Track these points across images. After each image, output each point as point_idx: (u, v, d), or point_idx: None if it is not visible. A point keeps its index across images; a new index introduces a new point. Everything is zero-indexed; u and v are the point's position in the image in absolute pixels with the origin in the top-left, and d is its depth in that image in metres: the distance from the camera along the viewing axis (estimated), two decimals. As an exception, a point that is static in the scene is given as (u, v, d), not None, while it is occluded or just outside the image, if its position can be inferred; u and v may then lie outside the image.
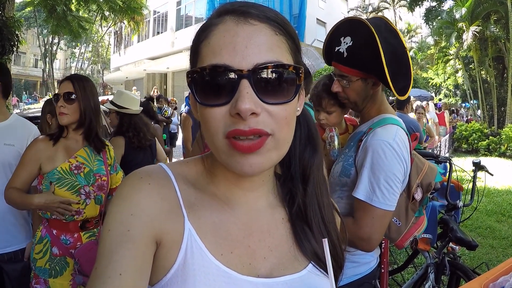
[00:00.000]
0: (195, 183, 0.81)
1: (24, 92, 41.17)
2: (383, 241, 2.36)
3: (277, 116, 0.69)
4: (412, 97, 6.62)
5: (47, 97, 19.32)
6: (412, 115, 7.69)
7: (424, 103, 10.49)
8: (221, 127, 0.68)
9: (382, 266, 2.37)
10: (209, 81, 0.68)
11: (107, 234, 0.70)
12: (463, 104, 29.93)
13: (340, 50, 1.74)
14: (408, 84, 1.74)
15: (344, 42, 1.72)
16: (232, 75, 0.66)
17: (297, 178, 0.87)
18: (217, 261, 0.74)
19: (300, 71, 0.71)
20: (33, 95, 41.13)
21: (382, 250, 2.38)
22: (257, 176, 0.79)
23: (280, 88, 0.69)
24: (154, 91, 15.04)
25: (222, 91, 0.67)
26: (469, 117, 23.73)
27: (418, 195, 1.89)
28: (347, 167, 1.78)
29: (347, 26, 1.75)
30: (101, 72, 47.87)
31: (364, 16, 31.43)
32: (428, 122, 10.00)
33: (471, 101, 21.13)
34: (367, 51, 1.65)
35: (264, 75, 0.67)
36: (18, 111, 17.32)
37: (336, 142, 1.97)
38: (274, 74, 0.68)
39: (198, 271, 0.71)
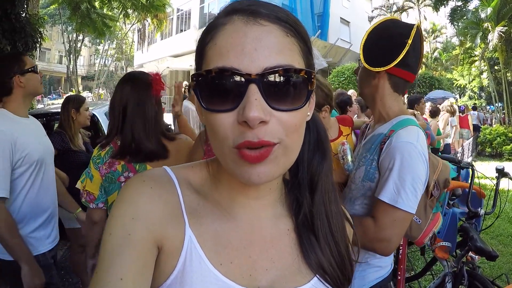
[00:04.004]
0: (199, 189, 0.79)
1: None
2: (401, 247, 2.33)
3: (286, 124, 0.65)
4: (423, 100, 6.46)
5: (70, 93, 19.71)
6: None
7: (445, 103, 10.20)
8: (230, 136, 0.64)
9: (399, 272, 2.34)
10: (215, 85, 0.64)
11: (108, 237, 0.68)
12: (488, 107, 29.27)
13: None
14: (389, 58, 1.68)
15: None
16: (239, 79, 0.62)
17: (304, 186, 0.83)
18: (216, 271, 0.72)
19: (312, 76, 0.67)
20: (57, 90, 42.05)
21: (400, 255, 2.36)
22: (263, 184, 0.76)
23: (291, 93, 0.65)
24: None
25: (229, 96, 0.63)
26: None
27: (435, 192, 1.88)
28: (371, 171, 1.73)
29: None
30: (124, 69, 48.51)
31: (388, 15, 31.11)
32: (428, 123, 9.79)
33: (496, 104, 20.65)
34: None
35: (274, 79, 0.63)
36: (41, 106, 17.74)
37: (349, 156, 1.94)
38: (284, 78, 0.64)
39: (195, 280, 0.70)
